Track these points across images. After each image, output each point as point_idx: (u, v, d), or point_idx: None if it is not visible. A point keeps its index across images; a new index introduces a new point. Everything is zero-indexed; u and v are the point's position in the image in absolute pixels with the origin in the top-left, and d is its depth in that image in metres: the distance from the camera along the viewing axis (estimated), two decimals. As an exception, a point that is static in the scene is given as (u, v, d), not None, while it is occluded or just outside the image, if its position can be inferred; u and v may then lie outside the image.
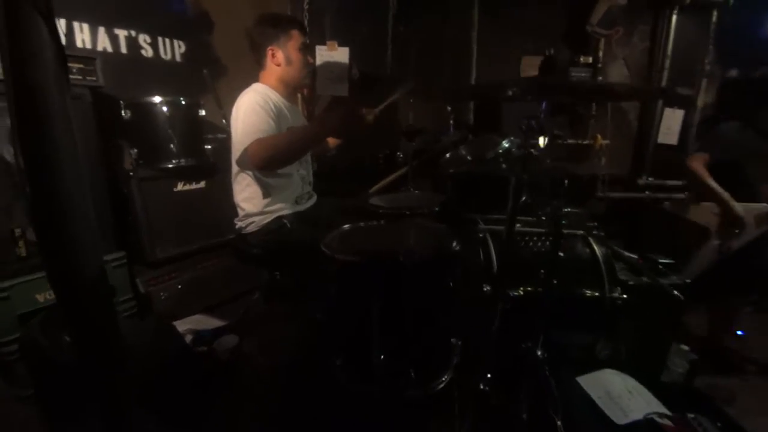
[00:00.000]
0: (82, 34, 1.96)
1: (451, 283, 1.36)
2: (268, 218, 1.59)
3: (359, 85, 2.37)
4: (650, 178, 2.97)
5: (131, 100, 1.84)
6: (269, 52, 1.59)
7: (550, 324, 1.32)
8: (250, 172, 1.54)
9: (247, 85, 1.59)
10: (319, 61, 2.25)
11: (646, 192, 2.95)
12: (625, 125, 3.01)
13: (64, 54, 0.53)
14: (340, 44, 2.29)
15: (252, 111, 1.42)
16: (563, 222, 1.66)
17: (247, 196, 1.59)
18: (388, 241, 1.33)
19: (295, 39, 1.60)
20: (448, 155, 2.15)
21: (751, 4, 2.80)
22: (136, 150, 1.86)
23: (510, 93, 1.16)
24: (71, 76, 1.62)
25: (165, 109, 1.85)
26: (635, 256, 1.75)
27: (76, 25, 1.94)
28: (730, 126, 2.04)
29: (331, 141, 1.92)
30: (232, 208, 1.66)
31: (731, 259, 2.00)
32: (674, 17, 2.74)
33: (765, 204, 1.96)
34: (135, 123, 1.85)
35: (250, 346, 1.74)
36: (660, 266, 1.69)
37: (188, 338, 1.73)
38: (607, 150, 2.90)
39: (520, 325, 1.34)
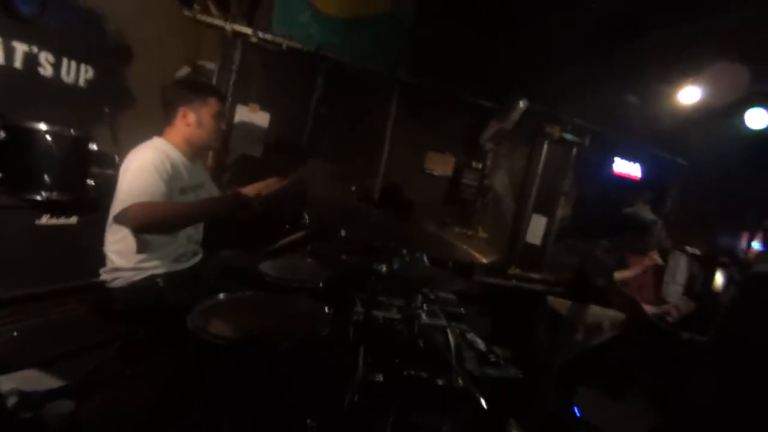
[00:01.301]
0: (-33, 39, 1.78)
1: (314, 367, 1.44)
2: (139, 275, 1.51)
3: (273, 150, 2.48)
4: (518, 269, 3.52)
5: (10, 121, 1.68)
6: (180, 112, 1.61)
7: (402, 408, 1.45)
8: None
9: (152, 124, 1.57)
10: (237, 119, 2.32)
11: (513, 280, 3.49)
12: (503, 222, 3.57)
13: None
14: (262, 108, 2.41)
15: (143, 170, 1.41)
16: (430, 310, 1.89)
17: (119, 248, 1.51)
18: (261, 319, 1.36)
19: (210, 106, 1.64)
20: (343, 233, 2.32)
21: (600, 145, 3.66)
22: (1, 175, 1.66)
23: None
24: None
25: (48, 137, 1.72)
26: (485, 347, 2.03)
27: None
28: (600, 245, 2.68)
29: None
30: (101, 253, 1.55)
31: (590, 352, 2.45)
32: (545, 146, 3.47)
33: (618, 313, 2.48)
34: (9, 146, 1.67)
35: (89, 415, 1.54)
36: (499, 358, 1.96)
37: (12, 400, 1.47)
38: (486, 241, 3.37)
39: (376, 408, 1.44)
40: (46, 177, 1.73)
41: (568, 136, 3.45)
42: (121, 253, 1.51)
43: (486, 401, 1.78)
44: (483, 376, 1.75)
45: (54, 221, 1.83)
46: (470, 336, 1.94)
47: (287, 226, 2.64)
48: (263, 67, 2.76)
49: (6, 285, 1.70)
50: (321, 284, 1.74)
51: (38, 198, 1.71)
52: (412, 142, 3.19)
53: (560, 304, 2.78)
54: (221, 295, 1.37)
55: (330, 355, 1.53)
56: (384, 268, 1.52)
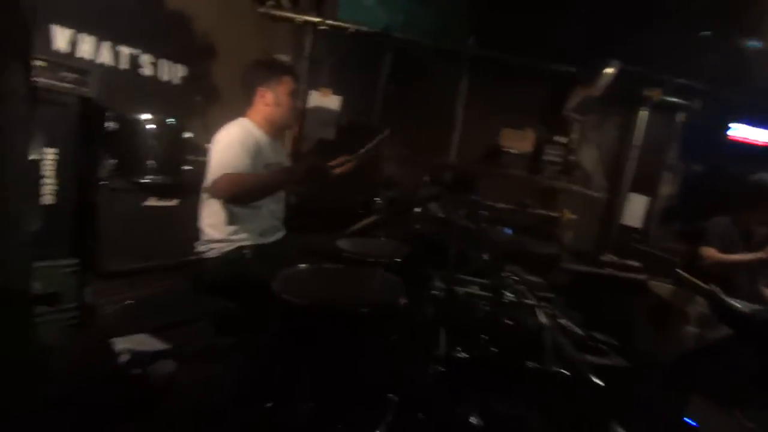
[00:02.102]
0: (86, 46, 2.05)
1: (394, 338, 1.38)
2: (229, 246, 1.60)
3: (345, 132, 2.49)
4: (613, 256, 3.12)
5: (119, 114, 1.90)
6: (259, 92, 1.68)
7: (488, 392, 1.34)
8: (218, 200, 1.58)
9: (238, 114, 1.67)
10: (311, 104, 2.38)
11: (608, 268, 3.09)
12: (593, 203, 3.20)
13: (35, 95, 0.58)
14: (334, 92, 2.44)
15: (229, 145, 1.49)
16: (516, 289, 1.74)
17: (212, 222, 1.61)
18: (339, 287, 1.36)
19: (286, 84, 1.70)
20: (419, 210, 2.25)
21: (713, 108, 3.12)
22: (114, 161, 1.88)
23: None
24: (64, 84, 1.67)
25: (150, 126, 1.91)
26: (582, 333, 1.81)
27: (82, 36, 2.03)
28: (721, 222, 2.27)
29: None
30: (197, 231, 1.68)
31: (707, 351, 2.07)
32: (643, 113, 3.03)
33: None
34: (118, 136, 1.89)
35: (186, 376, 1.67)
36: (604, 346, 1.74)
37: (124, 357, 1.66)
38: (574, 224, 3.05)
39: (459, 389, 1.35)
40: (149, 162, 1.92)
41: (672, 99, 2.96)
42: (213, 225, 1.61)
43: (585, 390, 1.59)
44: (581, 362, 1.56)
45: (158, 203, 2.04)
46: (563, 321, 1.75)
47: (360, 211, 2.66)
48: (333, 53, 2.81)
49: (121, 259, 1.93)
50: (398, 260, 1.69)
51: (144, 181, 1.91)
52: (486, 119, 3.00)
53: (666, 290, 2.40)
54: (302, 266, 1.39)
55: (409, 330, 1.48)
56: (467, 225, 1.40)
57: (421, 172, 2.61)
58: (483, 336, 1.42)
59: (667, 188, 3.15)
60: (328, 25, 2.72)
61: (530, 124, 3.04)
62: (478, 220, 1.54)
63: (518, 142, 3.03)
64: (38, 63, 1.59)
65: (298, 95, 1.77)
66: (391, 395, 1.31)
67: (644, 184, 3.11)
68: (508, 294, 1.63)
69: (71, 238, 1.78)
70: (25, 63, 0.54)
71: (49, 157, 1.65)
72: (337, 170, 1.78)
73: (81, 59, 2.03)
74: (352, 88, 2.76)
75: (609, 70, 2.65)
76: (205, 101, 2.30)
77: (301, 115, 2.30)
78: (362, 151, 1.66)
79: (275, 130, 1.76)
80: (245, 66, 1.72)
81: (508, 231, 1.87)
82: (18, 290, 0.70)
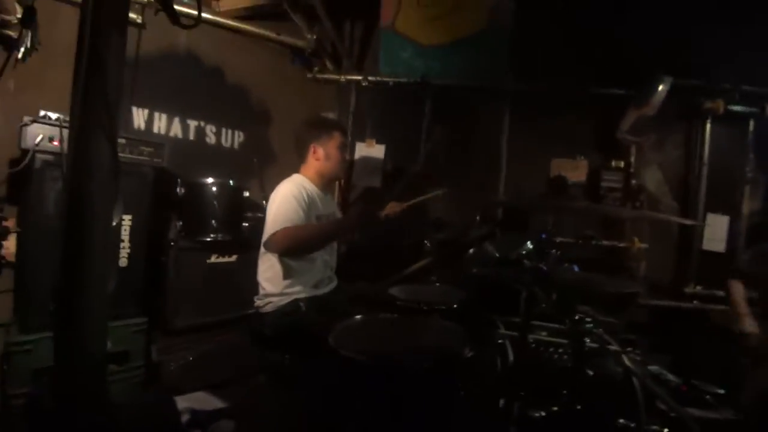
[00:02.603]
0: (160, 122, 2.33)
1: (462, 392, 1.27)
2: (285, 300, 1.62)
3: (391, 178, 2.53)
4: (698, 287, 2.75)
5: (187, 179, 2.08)
6: (311, 149, 1.77)
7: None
8: (275, 254, 1.62)
9: (292, 172, 1.76)
10: (357, 155, 2.48)
11: (695, 302, 2.72)
12: (665, 228, 2.89)
13: (119, 168, 0.64)
14: (378, 142, 2.52)
15: (285, 200, 1.55)
16: (593, 333, 1.55)
17: (269, 276, 1.65)
18: (398, 338, 1.29)
19: (335, 139, 1.79)
20: (472, 251, 2.15)
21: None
22: (181, 222, 2.04)
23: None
24: (142, 158, 1.88)
25: (213, 189, 2.07)
26: (679, 381, 1.55)
27: (157, 114, 2.31)
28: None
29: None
30: (256, 285, 1.72)
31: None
32: (708, 125, 2.79)
33: None
34: (186, 199, 2.06)
35: (246, 434, 1.64)
36: (708, 396, 1.47)
37: (185, 417, 1.67)
38: (645, 254, 2.76)
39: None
40: (213, 222, 2.05)
41: (738, 108, 2.71)
42: (270, 279, 1.64)
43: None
44: (684, 417, 1.32)
45: (220, 259, 2.14)
46: (654, 367, 1.52)
47: (411, 255, 2.62)
48: (375, 105, 2.95)
49: (186, 315, 2.01)
50: (455, 306, 1.60)
51: (208, 239, 2.03)
52: (533, 152, 2.91)
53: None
54: (357, 317, 1.36)
55: (476, 384, 1.35)
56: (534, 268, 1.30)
57: (472, 212, 2.55)
58: (563, 390, 1.26)
59: (749, 204, 2.78)
60: (369, 81, 2.89)
61: (581, 151, 2.90)
62: (550, 259, 1.42)
63: (571, 171, 2.89)
64: (121, 140, 1.81)
65: (347, 148, 1.84)
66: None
67: (722, 203, 2.78)
68: (585, 339, 1.45)
69: (141, 298, 1.90)
70: (112, 142, 0.60)
71: (125, 222, 1.82)
72: (385, 213, 1.78)
73: (156, 134, 2.29)
74: (396, 135, 2.85)
75: (661, 87, 2.50)
76: (261, 162, 2.47)
77: (349, 166, 2.39)
78: (415, 201, 1.66)
79: (326, 183, 1.83)
80: (297, 126, 1.83)
81: (576, 268, 1.72)
82: (96, 349, 0.73)
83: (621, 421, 1.27)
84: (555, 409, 1.29)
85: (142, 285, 1.90)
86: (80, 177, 0.57)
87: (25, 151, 1.64)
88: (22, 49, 1.44)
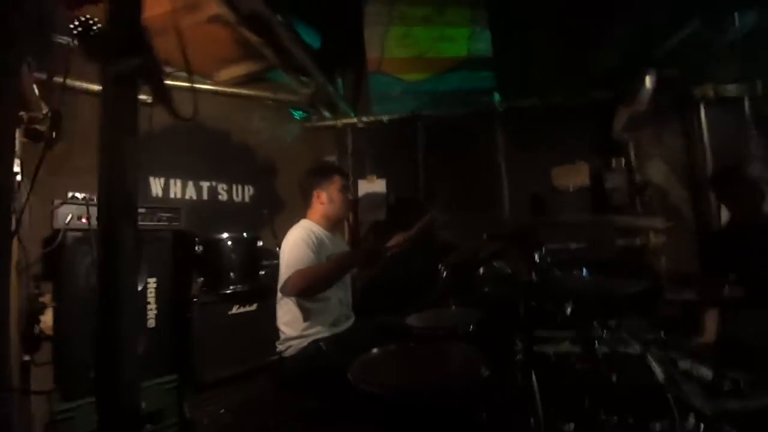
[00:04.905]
0: (175, 188, 2.50)
1: (484, 414, 1.27)
2: (305, 342, 1.66)
3: (395, 209, 2.62)
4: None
5: (204, 237, 2.21)
6: (315, 194, 1.88)
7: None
8: (292, 298, 1.69)
9: (300, 218, 1.86)
10: (361, 192, 2.59)
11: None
12: (680, 218, 2.84)
13: (141, 237, 0.74)
14: (379, 177, 2.64)
15: (296, 245, 1.64)
16: (613, 338, 1.54)
17: (288, 319, 1.71)
18: (415, 367, 1.32)
19: (336, 182, 1.89)
20: (482, 270, 2.18)
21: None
22: (202, 278, 2.14)
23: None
24: (161, 223, 2.02)
25: (229, 243, 2.18)
26: (711, 373, 1.49)
27: (172, 181, 2.49)
28: None
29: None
30: (276, 330, 1.78)
31: None
32: (703, 111, 2.80)
33: None
34: (205, 256, 2.18)
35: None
36: (742, 385, 1.41)
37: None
38: (664, 247, 2.71)
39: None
40: (231, 274, 2.15)
41: (730, 89, 2.72)
42: (289, 323, 1.70)
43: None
44: (720, 412, 1.27)
45: (241, 309, 2.22)
46: (684, 363, 1.47)
47: (426, 282, 2.64)
48: (372, 143, 3.11)
49: (214, 368, 2.07)
50: (471, 327, 1.62)
51: (228, 291, 2.12)
52: (533, 164, 2.97)
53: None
54: (375, 351, 1.39)
55: (500, 404, 1.34)
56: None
57: (479, 233, 2.59)
58: (586, 400, 1.25)
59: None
60: (364, 122, 3.07)
61: (581, 156, 2.95)
62: (546, 269, 1.45)
63: (572, 177, 2.92)
64: (141, 210, 1.96)
65: (348, 189, 1.94)
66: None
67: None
68: (606, 346, 1.44)
69: (170, 356, 1.97)
70: (132, 216, 0.70)
71: (150, 285, 1.93)
72: (392, 245, 1.84)
73: (173, 199, 2.45)
74: (395, 169, 2.97)
75: (647, 81, 2.55)
76: (271, 211, 2.60)
77: (353, 204, 2.50)
78: (413, 230, 1.73)
79: (332, 224, 1.92)
80: (300, 175, 1.95)
81: (585, 272, 1.72)
82: (130, 411, 0.79)
83: (656, 426, 1.24)
84: (586, 422, 1.27)
85: (170, 343, 1.98)
86: (108, 251, 0.66)
87: (56, 231, 1.79)
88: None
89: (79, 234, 1.79)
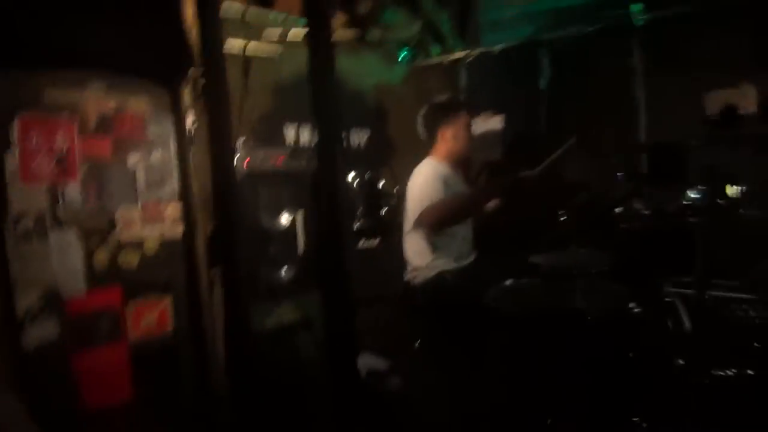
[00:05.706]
0: (303, 134, 2.72)
1: (630, 354, 1.26)
2: (432, 272, 1.80)
3: (513, 148, 2.50)
4: None
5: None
6: (440, 132, 1.89)
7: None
8: (422, 232, 1.80)
9: (413, 159, 1.92)
10: (477, 131, 2.50)
11: None
12: None
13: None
14: (496, 113, 2.51)
15: (425, 183, 1.73)
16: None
17: (417, 250, 1.85)
18: (554, 300, 1.34)
19: (462, 119, 1.88)
20: (619, 210, 2.02)
21: None
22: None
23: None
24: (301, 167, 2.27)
25: (355, 184, 2.37)
26: None
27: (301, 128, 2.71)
28: None
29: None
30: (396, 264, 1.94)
31: None
32: None
33: None
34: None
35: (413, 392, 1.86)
36: None
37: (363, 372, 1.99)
38: None
39: (726, 415, 1.12)
40: (358, 210, 2.36)
41: None
42: (417, 254, 1.85)
43: None
44: None
45: (365, 244, 2.45)
46: None
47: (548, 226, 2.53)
48: (485, 77, 2.92)
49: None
50: (604, 269, 1.55)
51: (356, 226, 2.35)
52: (679, 89, 2.48)
53: None
54: (508, 282, 1.44)
55: (649, 345, 1.31)
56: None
57: (611, 170, 2.34)
58: (756, 346, 1.15)
59: None
60: (473, 55, 2.87)
61: (744, 76, 2.35)
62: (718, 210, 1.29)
63: (735, 103, 2.38)
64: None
65: (471, 126, 1.92)
66: (636, 419, 1.19)
67: None
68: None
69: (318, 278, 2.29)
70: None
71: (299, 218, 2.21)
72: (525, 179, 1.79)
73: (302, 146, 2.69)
74: (512, 103, 2.77)
75: None
76: (388, 155, 2.69)
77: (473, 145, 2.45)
78: (548, 160, 1.65)
79: (456, 163, 1.94)
80: (423, 112, 1.96)
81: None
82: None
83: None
84: (744, 370, 1.18)
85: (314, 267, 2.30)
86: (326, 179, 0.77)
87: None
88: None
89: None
